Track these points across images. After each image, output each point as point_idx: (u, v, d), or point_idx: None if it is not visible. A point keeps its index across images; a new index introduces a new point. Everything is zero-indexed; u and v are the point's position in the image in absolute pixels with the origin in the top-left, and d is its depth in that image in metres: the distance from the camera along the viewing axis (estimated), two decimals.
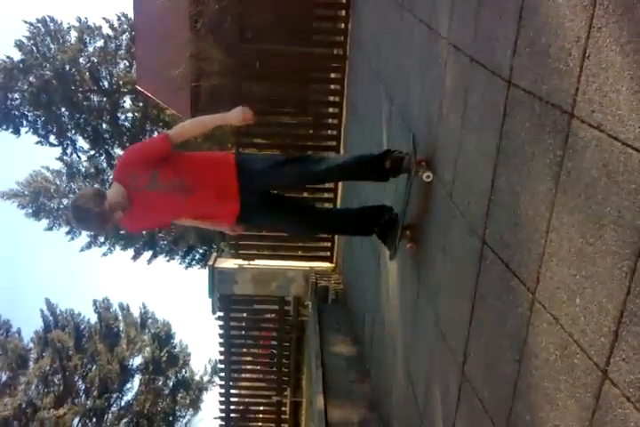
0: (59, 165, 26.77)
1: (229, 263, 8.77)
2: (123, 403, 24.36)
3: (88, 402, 23.19)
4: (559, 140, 1.82)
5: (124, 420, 23.66)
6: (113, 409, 24.04)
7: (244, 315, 10.60)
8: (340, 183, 8.14)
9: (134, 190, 3.46)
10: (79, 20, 25.02)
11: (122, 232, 23.75)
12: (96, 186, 23.60)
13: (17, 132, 25.07)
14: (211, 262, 8.75)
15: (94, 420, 23.18)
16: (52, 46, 24.53)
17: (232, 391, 10.02)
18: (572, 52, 1.74)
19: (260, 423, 10.65)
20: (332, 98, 8.88)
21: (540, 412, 1.90)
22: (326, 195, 8.95)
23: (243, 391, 10.28)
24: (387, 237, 3.80)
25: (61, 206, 26.87)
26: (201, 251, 26.72)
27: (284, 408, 10.19)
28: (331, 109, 9.02)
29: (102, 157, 25.70)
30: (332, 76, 8.74)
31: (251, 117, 3.63)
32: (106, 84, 24.55)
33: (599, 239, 1.60)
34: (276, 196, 3.90)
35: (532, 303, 1.96)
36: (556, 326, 1.80)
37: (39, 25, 24.64)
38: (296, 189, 3.80)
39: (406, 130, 3.91)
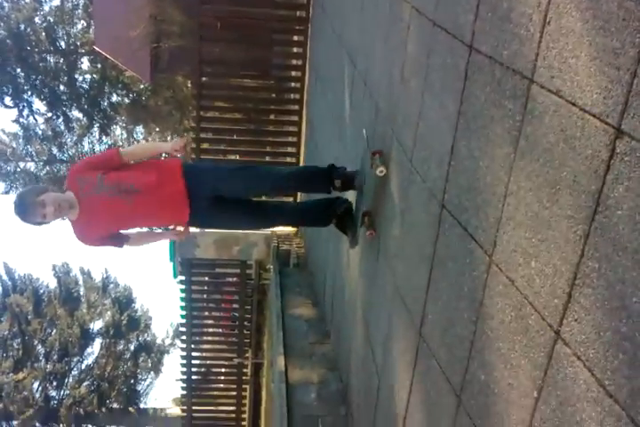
0: (15, 128, 26.17)
1: (191, 227, 8.72)
2: (83, 367, 24.27)
3: (48, 366, 23.06)
4: (518, 105, 1.83)
5: (85, 383, 23.61)
6: (74, 373, 23.95)
7: (206, 279, 10.62)
8: (302, 158, 8.15)
9: (82, 196, 3.53)
10: None
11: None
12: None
13: None
14: (172, 227, 8.69)
15: (54, 384, 23.09)
16: (5, 4, 23.71)
17: (194, 354, 10.08)
18: (533, 17, 1.75)
19: (221, 385, 10.74)
20: (294, 61, 8.78)
21: (494, 371, 1.95)
22: (289, 159, 8.91)
23: (204, 354, 10.35)
24: (345, 227, 3.93)
25: (18, 170, 26.33)
26: None
27: (245, 370, 10.29)
28: (293, 73, 8.93)
29: (60, 120, 25.08)
30: (295, 38, 8.64)
31: (181, 148, 3.72)
32: (63, 44, 23.83)
33: (555, 204, 1.63)
34: (227, 197, 3.87)
35: (489, 266, 2.00)
36: (512, 288, 1.84)
37: None
38: (243, 195, 3.93)
39: (368, 95, 3.90)
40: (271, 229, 8.77)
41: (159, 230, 4.03)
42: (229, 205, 3.87)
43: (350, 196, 4.02)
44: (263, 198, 5.10)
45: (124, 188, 3.52)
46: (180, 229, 4.04)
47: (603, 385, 1.40)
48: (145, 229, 4.02)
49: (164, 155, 4.00)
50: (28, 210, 3.41)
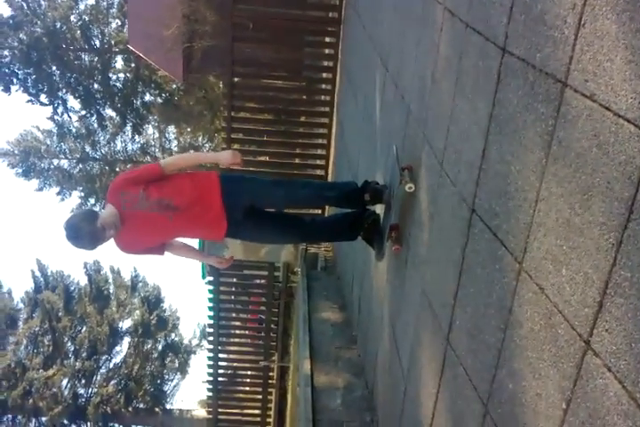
0: (49, 125, 26.56)
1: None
2: (111, 365, 24.51)
3: (77, 363, 23.31)
4: (551, 109, 1.79)
5: (113, 382, 23.82)
6: (102, 371, 24.20)
7: (234, 280, 10.65)
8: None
9: (124, 210, 3.55)
10: None
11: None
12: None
13: (7, 89, 24.64)
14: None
15: (83, 381, 23.33)
16: (42, 3, 24.02)
17: (220, 356, 10.10)
18: (568, 19, 1.71)
19: (247, 388, 10.76)
20: (326, 63, 8.78)
21: (522, 381, 1.91)
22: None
23: (231, 356, 10.37)
24: (373, 240, 3.93)
25: (52, 167, 26.71)
26: None
27: (271, 373, 10.29)
28: (324, 75, 8.92)
29: (93, 118, 25.40)
30: (327, 40, 8.63)
31: (239, 162, 3.75)
32: (97, 43, 24.13)
33: (587, 210, 1.59)
34: (261, 210, 3.94)
35: (519, 273, 1.96)
36: (542, 296, 1.81)
37: None
38: (277, 208, 4.11)
39: (399, 97, 3.87)
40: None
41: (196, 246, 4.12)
42: (265, 219, 3.95)
43: (378, 209, 4.00)
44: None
45: (165, 203, 3.56)
46: (225, 257, 4.14)
47: (634, 398, 1.36)
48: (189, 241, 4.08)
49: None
50: (91, 239, 3.41)
